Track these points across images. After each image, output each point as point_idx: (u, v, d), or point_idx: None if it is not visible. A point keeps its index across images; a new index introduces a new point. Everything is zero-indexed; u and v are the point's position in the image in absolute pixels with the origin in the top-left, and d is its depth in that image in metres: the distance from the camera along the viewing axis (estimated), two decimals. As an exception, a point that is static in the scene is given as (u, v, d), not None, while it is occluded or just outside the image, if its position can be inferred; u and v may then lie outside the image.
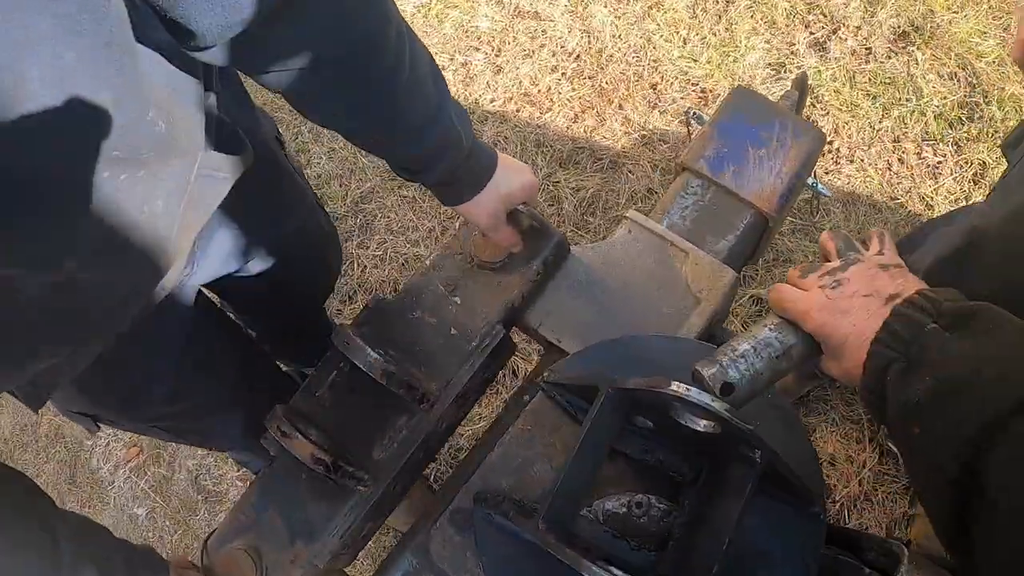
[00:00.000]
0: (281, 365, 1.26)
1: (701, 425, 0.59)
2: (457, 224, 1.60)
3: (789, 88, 1.09)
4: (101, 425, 0.86)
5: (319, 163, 1.75)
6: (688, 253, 0.87)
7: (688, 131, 1.12)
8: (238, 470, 1.55)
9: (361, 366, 0.71)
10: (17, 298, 0.47)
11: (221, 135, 0.67)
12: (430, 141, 0.65)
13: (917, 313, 0.52)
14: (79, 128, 0.42)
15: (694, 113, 1.07)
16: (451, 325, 0.80)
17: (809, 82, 1.39)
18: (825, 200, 1.55)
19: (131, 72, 0.45)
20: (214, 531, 0.83)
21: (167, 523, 1.58)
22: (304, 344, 1.24)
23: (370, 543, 0.93)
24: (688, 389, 0.58)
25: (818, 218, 1.56)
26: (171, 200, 0.58)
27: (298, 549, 0.78)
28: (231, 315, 1.09)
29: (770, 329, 0.60)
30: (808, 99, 1.65)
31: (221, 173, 0.67)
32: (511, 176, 0.73)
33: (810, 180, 1.05)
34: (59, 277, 0.50)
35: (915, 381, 0.49)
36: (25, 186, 0.42)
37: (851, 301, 0.55)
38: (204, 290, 0.89)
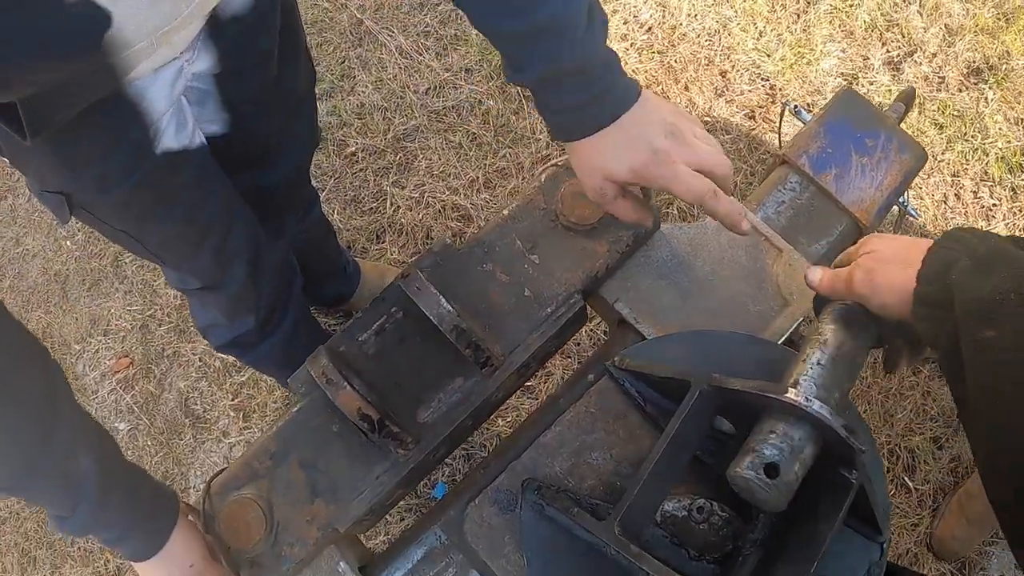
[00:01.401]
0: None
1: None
2: (542, 175, 1.46)
3: (894, 100, 1.00)
4: (74, 212, 0.78)
5: (364, 91, 1.62)
6: (783, 252, 0.78)
7: (779, 124, 1.02)
8: (233, 397, 1.44)
9: (430, 316, 0.61)
10: None
11: None
12: (527, 25, 0.53)
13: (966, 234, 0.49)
14: None
15: (795, 107, 0.97)
16: (526, 286, 0.71)
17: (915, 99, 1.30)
18: (909, 222, 1.47)
19: None
20: (220, 472, 0.73)
21: (148, 443, 1.47)
22: (291, 201, 1.12)
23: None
24: (808, 400, 0.50)
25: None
26: None
27: (317, 508, 0.69)
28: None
29: (828, 337, 0.55)
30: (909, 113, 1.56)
31: None
32: (652, 124, 0.57)
33: (901, 199, 0.97)
34: None
35: (988, 279, 0.43)
36: None
37: (892, 251, 0.54)
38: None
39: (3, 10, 0.48)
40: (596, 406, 0.70)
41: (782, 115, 1.01)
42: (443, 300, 0.61)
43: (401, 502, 1.13)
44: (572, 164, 0.63)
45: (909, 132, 1.58)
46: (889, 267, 0.53)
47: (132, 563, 0.63)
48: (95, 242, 1.68)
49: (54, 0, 0.50)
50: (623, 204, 0.62)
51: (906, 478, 1.32)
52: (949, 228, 1.53)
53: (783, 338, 0.75)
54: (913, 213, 0.99)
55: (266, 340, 1.10)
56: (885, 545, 0.65)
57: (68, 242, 1.70)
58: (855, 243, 0.88)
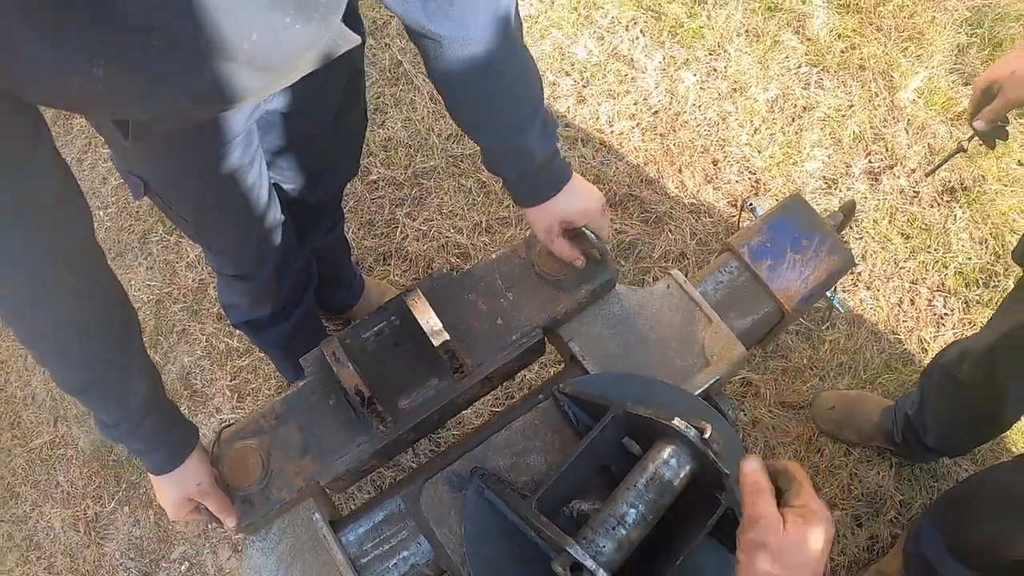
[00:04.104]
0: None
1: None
2: (528, 232, 1.74)
3: (836, 209, 1.25)
4: (147, 195, 1.00)
5: (393, 127, 1.89)
6: (712, 321, 1.02)
7: (739, 217, 1.27)
8: (232, 378, 1.66)
9: (422, 324, 0.84)
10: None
11: (351, 17, 0.87)
12: (502, 145, 0.81)
13: None
14: None
15: (751, 204, 1.22)
16: (499, 316, 0.94)
17: (856, 209, 1.55)
18: (836, 314, 1.71)
19: None
20: (230, 424, 0.95)
21: (146, 408, 1.68)
22: (323, 217, 1.38)
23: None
24: (688, 427, 0.73)
25: (825, 327, 1.72)
26: (308, 45, 0.76)
27: (305, 463, 0.90)
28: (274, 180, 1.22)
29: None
30: (850, 223, 1.81)
31: (339, 44, 0.85)
32: (574, 199, 0.87)
33: (829, 293, 1.20)
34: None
35: None
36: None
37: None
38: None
39: (162, 78, 0.72)
40: (540, 420, 0.92)
41: (741, 210, 1.26)
42: (433, 315, 0.84)
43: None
44: (529, 219, 0.89)
45: (875, 238, 1.85)
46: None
47: (152, 475, 0.83)
48: (127, 216, 1.92)
49: (203, 71, 0.74)
50: (562, 243, 0.90)
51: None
52: (900, 329, 1.76)
53: (700, 390, 0.98)
54: (838, 307, 1.22)
55: (275, 327, 1.33)
56: None
57: (102, 212, 1.94)
58: (777, 325, 1.12)
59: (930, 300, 1.80)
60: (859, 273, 1.81)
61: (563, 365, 1.04)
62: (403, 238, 1.75)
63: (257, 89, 0.83)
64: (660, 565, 0.77)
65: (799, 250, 1.13)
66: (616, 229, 1.75)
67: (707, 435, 0.71)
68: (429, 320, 0.84)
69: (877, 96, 2.02)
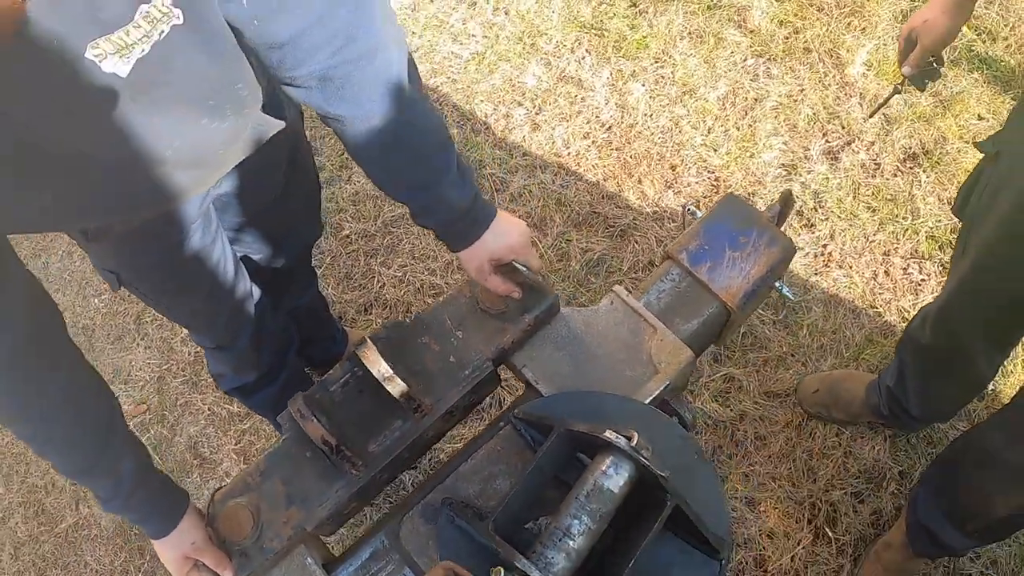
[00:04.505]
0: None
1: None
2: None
3: (775, 202, 1.31)
4: (122, 285, 1.11)
5: (359, 181, 2.00)
6: (656, 329, 1.09)
7: (684, 223, 1.34)
8: (236, 443, 1.76)
9: (374, 374, 0.93)
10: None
11: (271, 104, 0.96)
12: (422, 200, 0.89)
13: None
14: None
15: (690, 209, 1.29)
16: (451, 354, 1.02)
17: (795, 198, 1.60)
18: (806, 300, 1.76)
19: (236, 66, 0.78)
20: (222, 487, 1.04)
21: (161, 481, 1.79)
22: (293, 280, 1.47)
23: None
24: (618, 437, 0.80)
25: (800, 315, 1.77)
26: (234, 137, 0.89)
27: (292, 512, 0.99)
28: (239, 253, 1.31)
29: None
30: (791, 212, 1.87)
31: (265, 129, 0.98)
32: (499, 238, 0.94)
33: (778, 284, 1.27)
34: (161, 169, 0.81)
35: None
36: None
37: None
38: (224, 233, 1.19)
39: (104, 192, 0.83)
40: (502, 446, 1.00)
41: (683, 215, 1.34)
42: (383, 364, 0.93)
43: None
44: (462, 262, 0.97)
45: (841, 216, 1.90)
46: None
47: (151, 539, 0.94)
48: (120, 301, 2.05)
49: (138, 180, 0.84)
50: (495, 280, 0.98)
51: (827, 528, 1.56)
52: (878, 302, 1.80)
53: (652, 397, 1.05)
54: (789, 295, 1.28)
55: (264, 390, 1.43)
56: (724, 562, 0.91)
57: (96, 300, 2.07)
58: (726, 323, 1.19)
59: (905, 269, 1.84)
60: (829, 253, 1.86)
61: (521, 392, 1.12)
62: (380, 287, 1.85)
63: (193, 184, 0.94)
64: (618, 567, 0.83)
65: (737, 247, 1.20)
66: (583, 248, 1.82)
67: (634, 442, 0.78)
68: (380, 368, 0.93)
69: (827, 76, 2.09)
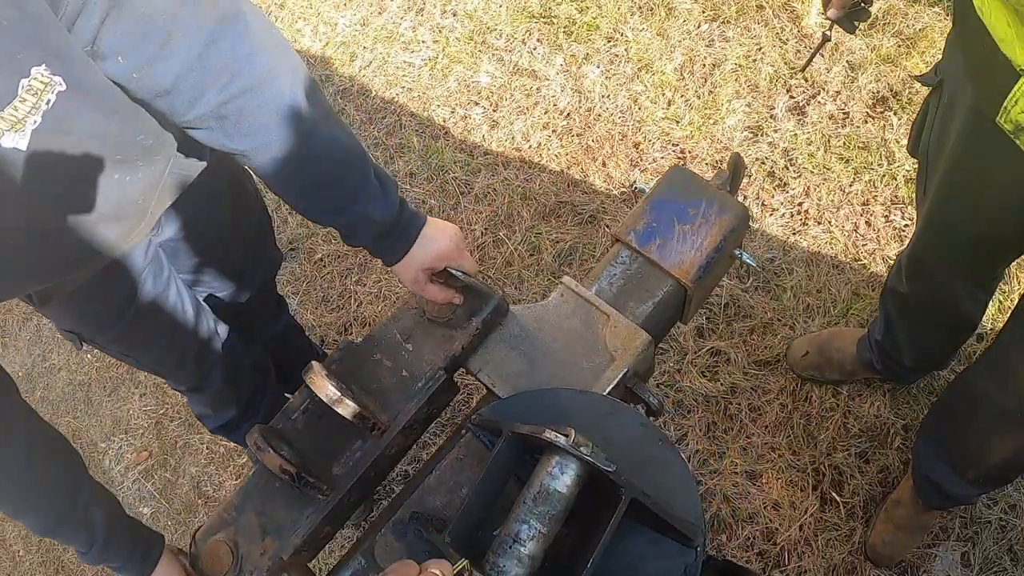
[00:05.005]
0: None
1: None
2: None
3: (723, 168, 1.30)
4: (85, 344, 1.14)
5: (326, 203, 2.03)
6: (609, 316, 1.09)
7: (635, 200, 1.34)
8: (236, 478, 1.80)
9: (323, 398, 0.94)
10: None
11: (187, 146, 0.97)
12: (344, 220, 0.90)
13: None
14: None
15: (637, 187, 1.29)
16: (403, 368, 1.04)
17: (744, 162, 1.59)
18: (786, 262, 1.74)
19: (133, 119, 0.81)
20: (201, 526, 1.07)
21: (169, 523, 1.83)
22: (261, 312, 1.49)
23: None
24: (557, 436, 0.80)
25: (781, 277, 1.76)
26: (152, 186, 0.92)
27: (267, 543, 1.01)
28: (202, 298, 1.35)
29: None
30: (743, 176, 1.84)
31: (185, 172, 1.01)
32: (429, 246, 0.95)
33: (738, 251, 1.25)
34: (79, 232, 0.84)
35: None
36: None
37: None
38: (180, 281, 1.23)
39: (22, 252, 0.85)
40: (463, 453, 1.01)
41: (634, 194, 1.33)
42: (330, 387, 0.95)
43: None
44: (397, 275, 0.98)
45: (814, 171, 1.88)
46: None
47: None
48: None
49: (66, 241, 0.87)
50: (433, 288, 0.98)
51: (833, 493, 1.55)
52: (861, 254, 1.78)
53: (611, 387, 1.05)
54: (752, 263, 1.27)
55: (246, 424, 1.46)
56: (699, 549, 0.90)
57: (89, 355, 2.13)
58: (684, 300, 1.18)
59: (886, 216, 1.82)
60: (806, 210, 1.84)
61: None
62: (358, 305, 1.87)
63: (122, 237, 0.96)
64: (581, 565, 0.84)
65: (687, 220, 1.19)
66: (553, 239, 1.83)
67: (571, 439, 0.78)
68: (328, 392, 0.94)
69: (783, 31, 2.06)
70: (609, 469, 0.80)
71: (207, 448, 1.87)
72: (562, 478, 0.81)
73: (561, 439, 0.80)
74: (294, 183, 0.86)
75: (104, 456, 1.95)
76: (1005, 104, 0.83)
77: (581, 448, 0.78)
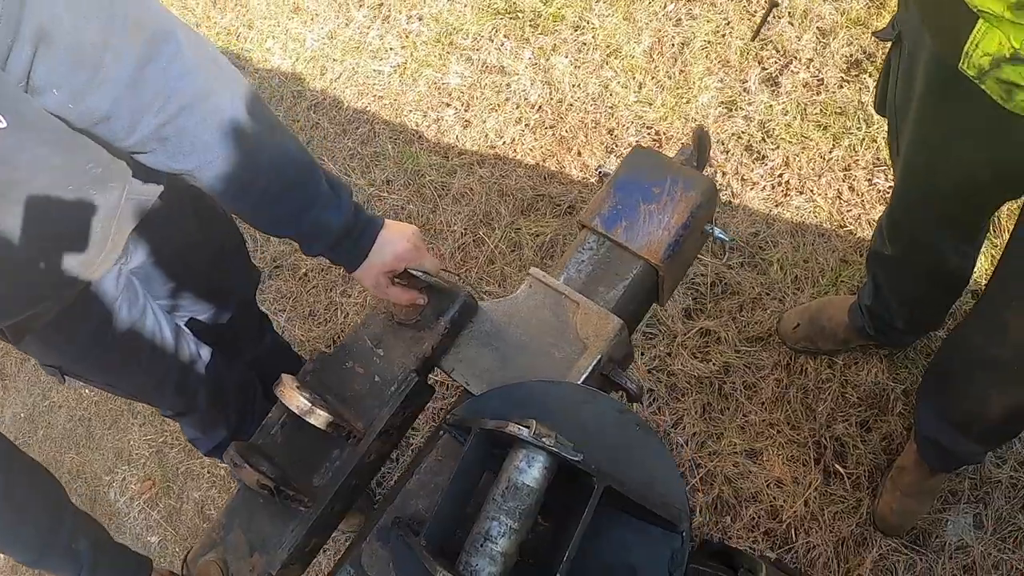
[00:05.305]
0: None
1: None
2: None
3: (686, 142, 1.29)
4: (67, 378, 1.16)
5: (306, 218, 2.04)
6: (579, 304, 1.08)
7: (600, 184, 1.33)
8: (237, 502, 1.81)
9: (294, 409, 0.95)
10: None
11: (142, 172, 0.98)
12: (300, 230, 0.90)
13: None
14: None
15: (602, 171, 1.28)
16: (376, 374, 1.04)
17: (710, 135, 1.56)
18: (771, 234, 1.73)
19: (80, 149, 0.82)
20: (192, 548, 1.08)
21: (178, 549, 1.85)
22: (243, 332, 1.50)
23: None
24: (520, 428, 0.80)
25: (767, 251, 1.74)
26: (109, 213, 0.93)
27: (255, 560, 1.02)
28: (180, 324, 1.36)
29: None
30: (709, 150, 1.82)
31: (144, 197, 1.02)
32: (386, 248, 0.95)
33: (709, 227, 1.24)
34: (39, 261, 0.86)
35: None
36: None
37: None
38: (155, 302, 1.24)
39: (12, 284, 0.86)
40: (442, 454, 1.01)
41: (600, 179, 1.32)
42: (300, 399, 0.95)
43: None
44: (360, 281, 0.98)
45: (792, 141, 1.86)
46: None
47: None
48: (115, 387, 2.13)
49: (28, 273, 0.88)
50: (395, 291, 0.98)
51: (837, 465, 1.53)
52: (847, 220, 1.77)
53: (586, 375, 1.05)
54: (724, 238, 1.26)
55: None
56: (685, 534, 0.89)
57: (86, 390, 2.15)
58: (656, 281, 1.17)
59: (869, 180, 1.80)
60: (787, 181, 1.82)
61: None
62: (345, 317, 1.88)
63: (87, 264, 0.98)
64: (559, 559, 0.83)
65: (652, 200, 1.18)
66: (533, 233, 1.82)
67: (533, 431, 0.78)
68: (298, 404, 0.95)
69: (751, 3, 2.05)
70: (575, 458, 0.80)
71: (208, 472, 1.88)
72: (530, 471, 0.81)
73: (524, 431, 0.79)
74: (245, 198, 0.87)
75: (109, 488, 1.98)
76: (965, 49, 0.82)
77: (544, 439, 0.78)
